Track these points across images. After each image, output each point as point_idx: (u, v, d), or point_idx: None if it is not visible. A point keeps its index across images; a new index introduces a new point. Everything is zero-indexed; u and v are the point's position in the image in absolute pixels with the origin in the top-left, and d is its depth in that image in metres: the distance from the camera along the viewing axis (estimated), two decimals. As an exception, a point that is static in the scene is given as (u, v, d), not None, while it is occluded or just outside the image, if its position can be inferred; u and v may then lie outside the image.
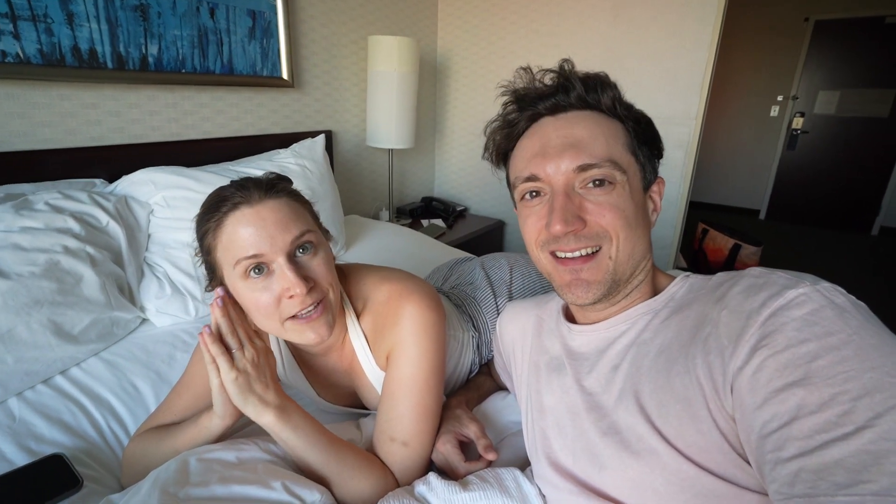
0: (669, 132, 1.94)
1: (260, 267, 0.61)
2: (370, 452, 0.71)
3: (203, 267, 0.68)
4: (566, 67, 0.60)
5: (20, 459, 0.72)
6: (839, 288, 0.43)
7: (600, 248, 0.55)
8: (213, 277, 0.67)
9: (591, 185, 0.55)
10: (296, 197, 0.68)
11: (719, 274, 0.54)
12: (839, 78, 4.32)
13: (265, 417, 0.62)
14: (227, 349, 0.62)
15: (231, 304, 0.65)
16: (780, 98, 4.60)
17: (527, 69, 0.61)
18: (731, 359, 0.43)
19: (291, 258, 0.63)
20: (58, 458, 0.70)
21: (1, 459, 0.72)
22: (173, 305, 1.10)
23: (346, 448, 0.67)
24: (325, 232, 0.72)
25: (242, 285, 0.62)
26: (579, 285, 0.56)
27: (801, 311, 0.41)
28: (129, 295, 1.05)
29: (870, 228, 4.44)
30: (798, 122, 4.53)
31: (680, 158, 1.95)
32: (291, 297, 0.62)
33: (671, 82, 1.89)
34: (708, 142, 4.95)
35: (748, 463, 0.44)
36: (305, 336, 0.65)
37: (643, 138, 0.58)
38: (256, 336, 0.66)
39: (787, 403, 0.38)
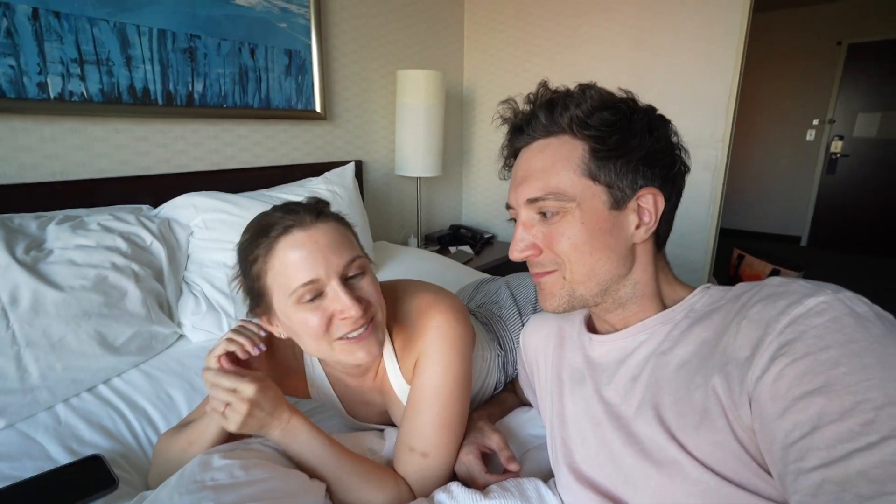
0: (697, 155, 1.92)
1: (316, 292, 0.62)
2: (385, 465, 0.71)
3: (243, 293, 0.68)
4: (533, 96, 0.61)
5: (63, 459, 0.76)
6: (863, 298, 0.43)
7: (557, 270, 0.59)
8: (261, 303, 0.66)
9: (542, 215, 0.58)
10: (342, 221, 0.69)
11: (740, 284, 0.54)
12: (879, 100, 4.20)
13: (273, 433, 0.65)
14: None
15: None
16: (815, 122, 4.49)
17: (508, 101, 0.64)
18: (750, 368, 0.43)
19: (344, 281, 0.63)
20: (97, 458, 0.74)
21: (46, 458, 0.76)
22: (208, 322, 1.14)
23: (357, 460, 0.68)
24: (366, 256, 0.72)
25: (294, 309, 0.62)
26: (542, 295, 0.62)
27: (822, 318, 0.41)
28: (167, 311, 1.11)
29: (921, 254, 4.19)
30: (837, 146, 4.40)
31: (708, 181, 1.94)
32: (344, 318, 0.62)
33: (698, 105, 1.90)
34: (741, 168, 4.85)
35: (769, 473, 0.43)
36: (356, 356, 0.64)
37: (612, 154, 0.55)
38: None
39: (808, 412, 0.37)
